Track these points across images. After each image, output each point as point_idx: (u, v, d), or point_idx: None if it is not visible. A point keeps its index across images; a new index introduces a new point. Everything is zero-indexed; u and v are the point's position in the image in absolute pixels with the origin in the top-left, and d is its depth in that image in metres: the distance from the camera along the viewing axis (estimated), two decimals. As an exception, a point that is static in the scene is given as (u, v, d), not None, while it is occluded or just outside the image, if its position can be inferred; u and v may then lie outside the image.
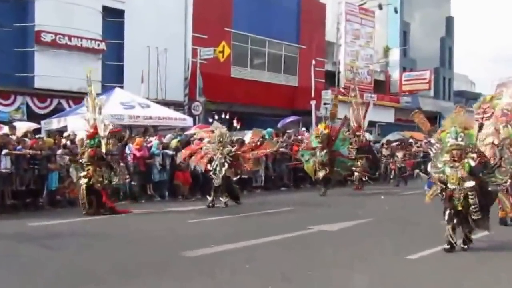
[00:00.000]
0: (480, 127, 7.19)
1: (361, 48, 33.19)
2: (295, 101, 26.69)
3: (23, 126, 13.65)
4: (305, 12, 27.70)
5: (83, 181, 10.47)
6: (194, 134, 14.95)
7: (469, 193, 6.77)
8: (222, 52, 21.78)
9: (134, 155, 13.26)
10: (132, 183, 13.12)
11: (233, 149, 12.03)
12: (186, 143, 14.35)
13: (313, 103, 24.54)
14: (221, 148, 11.77)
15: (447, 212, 6.99)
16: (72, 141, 13.09)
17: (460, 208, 6.87)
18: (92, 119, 10.75)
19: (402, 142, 21.74)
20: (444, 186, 6.93)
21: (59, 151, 12.24)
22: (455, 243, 7.00)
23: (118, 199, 12.75)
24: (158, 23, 20.59)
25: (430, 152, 12.38)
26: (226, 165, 11.70)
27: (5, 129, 12.50)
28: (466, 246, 7.07)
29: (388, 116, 33.68)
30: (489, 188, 6.92)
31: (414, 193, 14.93)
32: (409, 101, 34.99)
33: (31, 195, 11.56)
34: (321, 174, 13.70)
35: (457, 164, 6.83)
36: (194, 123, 18.63)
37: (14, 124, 13.43)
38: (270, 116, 23.90)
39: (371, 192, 15.70)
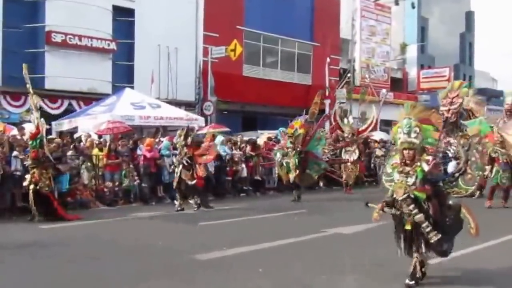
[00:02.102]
0: (445, 121, 5.52)
1: (377, 45, 33.01)
2: (308, 100, 26.64)
3: (32, 128, 13.81)
4: (319, 9, 27.64)
5: (30, 186, 9.98)
6: (206, 134, 15.02)
7: (409, 207, 5.22)
8: (234, 50, 21.84)
9: (144, 156, 13.37)
10: (143, 184, 13.24)
11: (188, 151, 11.53)
12: (197, 143, 14.43)
13: (327, 102, 24.50)
14: (182, 148, 11.56)
15: (401, 237, 5.51)
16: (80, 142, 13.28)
17: (409, 227, 5.35)
18: (35, 119, 10.44)
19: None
20: (390, 200, 5.39)
21: (70, 153, 12.39)
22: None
23: (129, 201, 12.89)
24: (169, 21, 20.71)
25: (448, 153, 12.28)
26: (181, 166, 11.42)
27: (15, 130, 12.69)
28: (413, 283, 5.46)
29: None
30: (450, 202, 5.36)
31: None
32: (428, 99, 34.67)
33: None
34: (291, 176, 12.73)
35: (407, 168, 5.27)
36: (206, 123, 18.72)
37: (23, 125, 13.61)
38: (282, 116, 23.89)
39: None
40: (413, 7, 35.74)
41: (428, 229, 5.21)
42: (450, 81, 35.42)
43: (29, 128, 13.43)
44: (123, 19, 20.26)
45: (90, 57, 18.83)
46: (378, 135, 22.49)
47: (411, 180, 5.24)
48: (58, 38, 18.21)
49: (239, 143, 15.75)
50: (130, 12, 20.51)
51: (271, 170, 15.96)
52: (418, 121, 5.34)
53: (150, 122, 16.11)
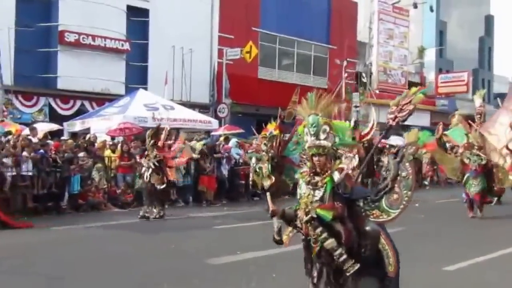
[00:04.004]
0: (388, 129, 4.48)
1: (395, 48, 32.81)
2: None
3: (43, 128, 13.91)
4: (336, 11, 27.53)
5: None
6: (221, 136, 14.96)
7: (316, 231, 4.03)
8: (249, 52, 21.80)
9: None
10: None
11: (158, 154, 10.98)
12: (212, 147, 14.41)
13: (343, 105, 24.33)
14: (150, 150, 11.08)
15: (314, 269, 4.26)
16: (93, 144, 13.30)
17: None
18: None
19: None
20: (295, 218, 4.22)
21: (81, 154, 12.42)
22: None
23: (141, 203, 12.87)
24: (184, 22, 20.75)
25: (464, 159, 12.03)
26: (150, 170, 10.93)
27: (26, 130, 12.75)
28: None
29: (423, 120, 33.12)
30: (367, 228, 4.08)
31: (450, 201, 14.66)
32: (446, 104, 34.40)
33: (53, 198, 11.75)
34: (265, 183, 12.19)
35: (317, 178, 4.12)
36: (220, 126, 18.69)
37: (35, 125, 13.68)
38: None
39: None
40: (432, 11, 35.51)
41: (342, 258, 3.99)
42: (469, 86, 35.41)
43: (40, 128, 13.53)
44: (138, 19, 20.33)
45: (104, 57, 18.92)
46: (394, 141, 22.27)
47: (318, 194, 4.07)
48: (71, 38, 18.31)
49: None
50: (144, 12, 20.59)
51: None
52: (328, 117, 4.23)
53: (163, 124, 16.09)
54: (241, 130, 17.97)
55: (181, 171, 13.49)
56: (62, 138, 14.16)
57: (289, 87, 25.85)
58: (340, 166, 4.13)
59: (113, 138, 14.62)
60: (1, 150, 10.70)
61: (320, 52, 27.42)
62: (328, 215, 3.99)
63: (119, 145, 13.62)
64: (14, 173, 10.82)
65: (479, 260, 6.92)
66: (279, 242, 4.42)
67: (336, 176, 4.05)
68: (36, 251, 7.63)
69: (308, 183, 4.15)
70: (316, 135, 4.09)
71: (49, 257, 7.20)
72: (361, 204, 4.15)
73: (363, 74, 28.98)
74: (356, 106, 27.45)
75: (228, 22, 22.64)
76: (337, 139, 4.20)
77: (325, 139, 4.09)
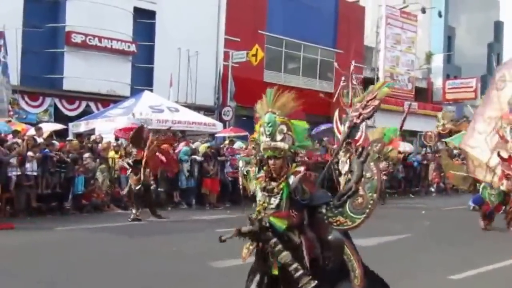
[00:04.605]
0: (353, 127, 4.04)
1: (402, 53, 32.76)
2: (330, 108, 26.54)
3: (48, 128, 14.00)
4: (343, 15, 27.55)
5: None
6: (225, 138, 14.97)
7: (271, 242, 3.63)
8: (255, 55, 21.85)
9: (161, 160, 13.39)
10: (159, 189, 13.25)
11: (137, 154, 10.81)
12: (216, 149, 14.45)
13: (349, 110, 24.33)
14: (128, 150, 11.05)
15: (255, 280, 3.90)
16: (98, 144, 13.37)
17: (276, 272, 3.71)
18: None
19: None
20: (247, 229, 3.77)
21: (86, 155, 12.49)
22: None
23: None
24: (190, 25, 20.83)
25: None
26: (129, 171, 10.91)
27: (32, 130, 12.83)
28: None
29: (430, 126, 33.07)
30: (330, 237, 3.72)
31: (457, 209, 14.62)
32: (453, 110, 34.30)
33: (57, 199, 11.82)
34: (252, 187, 11.68)
35: (273, 184, 3.76)
36: (224, 129, 18.73)
37: (40, 125, 13.76)
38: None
39: (408, 206, 15.42)
40: (440, 16, 35.45)
41: (298, 274, 3.58)
42: (477, 92, 35.33)
43: (45, 128, 13.61)
44: (144, 21, 20.44)
45: (110, 59, 19.01)
46: (403, 147, 22.23)
47: (274, 201, 3.69)
48: (78, 39, 18.42)
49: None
50: (151, 14, 20.69)
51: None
52: (286, 116, 3.82)
53: (168, 126, 16.17)
54: (246, 133, 18.01)
55: (185, 174, 13.53)
56: (69, 138, 14.24)
57: (294, 91, 25.89)
58: (297, 169, 3.74)
59: (117, 139, 14.69)
60: (7, 151, 10.75)
61: (326, 56, 27.43)
62: (282, 224, 3.59)
63: (122, 146, 13.67)
64: (19, 173, 10.90)
65: (486, 269, 6.89)
66: (222, 241, 3.88)
67: (292, 180, 3.69)
68: (39, 252, 7.67)
69: (263, 189, 3.78)
70: (272, 136, 3.72)
71: (51, 258, 7.25)
72: (324, 210, 3.75)
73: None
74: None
75: (234, 24, 22.71)
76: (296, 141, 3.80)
77: (282, 140, 3.73)
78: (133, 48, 19.76)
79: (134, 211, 10.92)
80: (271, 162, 3.74)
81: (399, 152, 20.66)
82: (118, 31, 19.16)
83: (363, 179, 3.74)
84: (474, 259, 7.45)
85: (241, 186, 9.52)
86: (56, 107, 18.49)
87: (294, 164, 3.79)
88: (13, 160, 10.76)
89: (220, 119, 20.28)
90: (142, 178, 10.80)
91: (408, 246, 8.88)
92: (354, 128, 4.05)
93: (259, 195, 3.80)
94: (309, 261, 3.64)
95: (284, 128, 3.75)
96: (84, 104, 18.90)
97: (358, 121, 4.00)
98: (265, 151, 3.77)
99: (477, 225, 11.06)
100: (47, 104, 18.38)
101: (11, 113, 15.18)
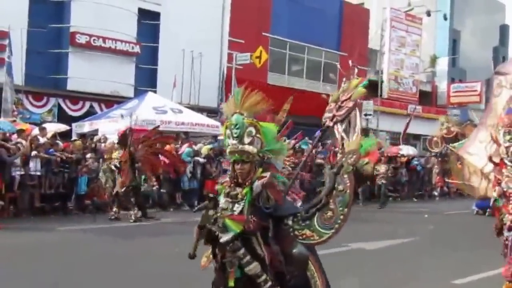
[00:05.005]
0: (325, 131, 3.80)
1: (406, 56, 32.75)
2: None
3: (52, 128, 14.07)
4: (348, 18, 27.57)
5: None
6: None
7: (238, 253, 3.43)
8: (259, 57, 21.90)
9: (164, 161, 13.43)
10: (161, 190, 13.30)
11: (122, 156, 10.78)
12: (219, 151, 14.48)
13: (352, 113, 24.31)
14: (114, 151, 10.96)
15: None
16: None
17: (232, 284, 3.49)
18: None
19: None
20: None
21: (89, 155, 12.55)
22: None
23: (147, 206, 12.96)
24: (194, 26, 20.88)
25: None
26: (116, 171, 10.88)
27: (36, 130, 12.90)
28: None
29: (434, 130, 32.96)
30: (294, 250, 3.54)
31: (460, 213, 14.61)
32: (458, 114, 34.24)
33: (60, 199, 11.87)
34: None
35: (237, 190, 3.55)
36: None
37: (44, 125, 13.83)
38: (307, 126, 23.79)
39: (411, 210, 15.40)
40: (445, 19, 35.39)
41: (267, 286, 3.43)
42: (482, 96, 35.27)
43: (49, 128, 13.68)
44: (149, 22, 20.51)
45: (114, 60, 19.09)
46: (406, 150, 22.23)
47: (238, 208, 3.47)
48: (82, 40, 18.51)
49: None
50: (155, 16, 20.76)
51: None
52: (255, 117, 3.58)
53: (171, 127, 16.21)
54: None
55: (187, 175, 13.57)
56: (74, 139, 14.31)
57: (298, 94, 25.99)
58: (263, 174, 3.52)
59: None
60: (12, 151, 10.81)
61: (330, 59, 27.46)
62: (235, 227, 3.38)
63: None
64: (22, 172, 10.96)
65: (489, 274, 6.87)
66: (192, 257, 3.69)
67: (258, 186, 3.46)
68: (41, 252, 7.71)
69: (227, 195, 3.53)
70: (240, 139, 3.49)
71: (54, 258, 7.28)
72: (290, 222, 3.48)
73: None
74: (366, 114, 27.45)
75: (238, 26, 22.76)
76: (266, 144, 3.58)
77: (250, 143, 3.49)
78: (137, 49, 19.83)
79: (113, 210, 10.89)
80: (237, 166, 3.51)
81: (402, 156, 20.69)
82: (122, 32, 19.25)
83: (334, 192, 3.48)
84: (477, 263, 7.44)
85: None
86: (60, 107, 18.58)
87: (260, 169, 3.56)
88: (17, 160, 10.82)
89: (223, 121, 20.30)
90: (126, 178, 10.69)
91: (412, 250, 8.88)
92: (326, 131, 3.77)
93: (222, 201, 3.54)
94: (273, 275, 3.45)
95: (253, 130, 3.51)
96: (88, 104, 18.99)
97: (331, 123, 3.71)
98: (231, 154, 3.54)
99: (481, 230, 11.03)
100: (51, 104, 18.47)
101: (15, 113, 15.26)
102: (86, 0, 18.40)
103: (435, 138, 18.58)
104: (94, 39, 18.66)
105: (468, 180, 9.13)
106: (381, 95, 29.93)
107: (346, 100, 3.69)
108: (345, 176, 3.48)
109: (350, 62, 24.60)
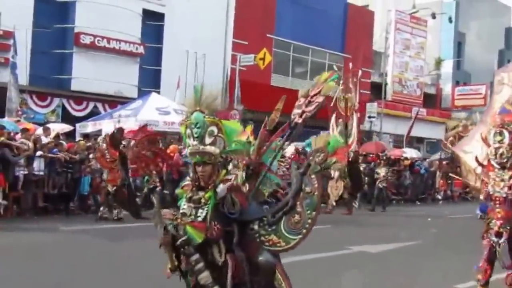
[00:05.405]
0: (294, 128, 3.61)
1: (411, 59, 32.75)
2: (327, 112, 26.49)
3: (55, 128, 14.12)
4: (352, 20, 27.58)
5: None
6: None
7: (191, 259, 3.26)
8: (263, 59, 21.89)
9: (167, 162, 13.46)
10: (164, 191, 13.30)
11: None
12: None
13: (356, 116, 24.30)
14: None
15: None
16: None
17: None
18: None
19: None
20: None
21: (92, 155, 12.58)
22: None
23: (150, 207, 12.98)
24: (198, 27, 20.93)
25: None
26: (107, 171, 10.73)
27: (40, 130, 12.95)
28: None
29: (438, 132, 33.01)
30: (260, 258, 3.29)
31: (464, 217, 14.58)
32: (462, 116, 34.17)
33: (63, 199, 11.91)
34: None
35: (200, 194, 3.34)
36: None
37: (48, 125, 13.88)
38: (310, 127, 23.79)
39: (414, 214, 15.38)
40: (450, 22, 35.35)
41: None
42: (486, 99, 35.21)
43: (53, 128, 13.73)
44: (153, 23, 20.57)
45: (118, 60, 19.15)
46: (410, 153, 22.21)
47: (201, 214, 3.25)
48: (86, 40, 18.58)
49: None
50: (160, 16, 20.82)
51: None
52: (217, 116, 3.40)
53: (174, 128, 16.23)
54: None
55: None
56: (79, 139, 14.35)
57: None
58: (227, 177, 3.34)
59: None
60: (16, 152, 10.86)
61: (334, 61, 27.41)
62: (197, 236, 3.14)
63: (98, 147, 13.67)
64: (26, 172, 11.00)
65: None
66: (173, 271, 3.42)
67: (221, 190, 3.24)
68: (43, 252, 7.75)
69: (189, 200, 3.33)
70: (201, 139, 3.26)
71: (56, 258, 7.31)
72: (256, 227, 3.27)
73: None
74: (370, 117, 27.43)
75: (242, 28, 22.79)
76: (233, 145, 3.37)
77: (211, 144, 3.27)
78: (141, 50, 19.89)
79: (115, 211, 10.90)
80: (199, 168, 3.28)
81: (406, 159, 20.66)
82: (126, 33, 19.31)
83: (301, 194, 3.25)
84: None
85: None
86: (64, 108, 18.65)
87: (224, 171, 3.35)
88: (21, 160, 10.87)
89: (227, 122, 20.33)
90: (117, 178, 10.72)
91: (415, 254, 8.87)
92: (295, 128, 3.57)
93: (185, 207, 3.33)
94: (233, 286, 3.18)
95: (214, 129, 3.28)
96: (91, 105, 19.05)
97: (300, 120, 3.53)
98: (192, 156, 3.31)
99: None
100: (55, 104, 18.54)
101: (19, 112, 15.32)
102: (91, 1, 18.46)
103: (450, 138, 18.48)
104: (98, 40, 18.73)
105: (466, 178, 8.93)
106: (385, 98, 29.90)
107: (315, 95, 3.50)
108: (313, 176, 3.27)
109: (350, 64, 24.62)
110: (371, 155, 18.95)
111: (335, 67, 25.96)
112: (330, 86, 3.49)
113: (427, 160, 22.74)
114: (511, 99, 6.74)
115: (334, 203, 14.39)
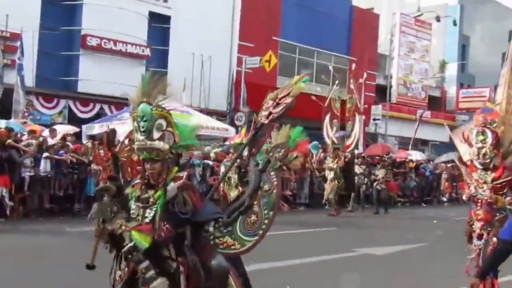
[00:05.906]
0: (260, 128, 3.42)
1: (416, 61, 32.65)
2: (343, 115, 26.41)
3: (62, 129, 14.11)
4: (357, 23, 27.51)
5: None
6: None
7: (140, 266, 3.00)
8: (269, 61, 21.87)
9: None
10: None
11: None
12: (227, 153, 14.44)
13: (361, 118, 24.21)
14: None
15: None
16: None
17: None
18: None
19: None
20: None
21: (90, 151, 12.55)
22: None
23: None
24: (204, 30, 20.91)
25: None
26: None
27: (46, 132, 12.94)
28: None
29: (442, 135, 32.85)
30: (213, 262, 3.07)
31: (469, 219, 14.44)
32: (466, 119, 34.02)
33: (69, 200, 11.88)
34: (232, 193, 10.06)
35: (150, 193, 3.09)
36: (237, 134, 18.72)
37: (55, 127, 13.87)
38: (316, 130, 23.73)
39: (420, 216, 15.27)
40: (455, 25, 35.26)
41: None
42: (491, 101, 35.00)
43: (60, 129, 13.72)
44: (159, 25, 20.56)
45: (124, 62, 19.14)
46: (414, 155, 22.09)
47: (150, 214, 2.98)
48: (93, 42, 18.59)
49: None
50: (166, 19, 20.81)
51: (302, 184, 15.82)
52: (166, 109, 3.09)
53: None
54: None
55: (197, 178, 13.53)
56: (87, 141, 14.32)
57: (307, 98, 25.92)
58: (179, 174, 3.06)
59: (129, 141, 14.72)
60: (22, 152, 10.85)
61: (340, 63, 27.38)
62: (143, 241, 2.87)
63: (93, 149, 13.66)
64: (32, 173, 10.98)
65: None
66: (90, 267, 3.31)
67: (172, 188, 2.97)
68: (49, 253, 7.70)
69: (137, 199, 3.04)
70: (148, 133, 2.98)
71: (62, 260, 7.26)
72: (211, 228, 3.01)
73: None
74: (374, 119, 27.34)
75: (248, 30, 22.76)
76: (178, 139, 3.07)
77: (159, 139, 2.98)
78: (147, 52, 19.89)
79: None
80: (147, 166, 3.01)
81: (411, 161, 20.54)
82: (133, 35, 19.31)
83: (259, 192, 3.00)
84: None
85: (222, 194, 8.75)
86: (70, 109, 18.64)
87: (175, 168, 3.06)
88: (27, 161, 10.85)
89: (232, 124, 20.29)
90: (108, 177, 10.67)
91: (421, 256, 8.79)
92: (261, 129, 3.37)
93: (133, 207, 3.04)
94: None
95: (163, 123, 3.00)
96: (98, 106, 19.04)
97: (266, 121, 3.34)
98: (139, 152, 3.05)
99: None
100: (61, 106, 18.53)
101: (26, 114, 15.32)
102: (98, 3, 18.45)
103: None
104: (105, 42, 18.74)
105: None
106: (389, 100, 29.80)
107: (284, 96, 3.34)
108: (272, 173, 3.05)
109: (353, 65, 24.61)
110: (376, 157, 18.86)
111: (330, 67, 25.96)
112: (300, 88, 3.32)
113: (433, 162, 22.60)
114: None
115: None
